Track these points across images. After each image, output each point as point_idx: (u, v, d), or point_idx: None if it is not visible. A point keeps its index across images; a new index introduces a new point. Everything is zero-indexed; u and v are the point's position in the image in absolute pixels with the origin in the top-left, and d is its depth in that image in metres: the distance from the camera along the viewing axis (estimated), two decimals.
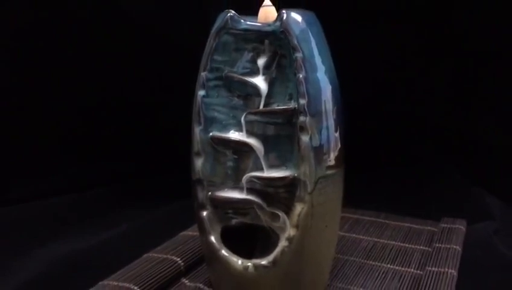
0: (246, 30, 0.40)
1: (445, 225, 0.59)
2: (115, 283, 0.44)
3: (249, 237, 0.42)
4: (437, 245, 0.54)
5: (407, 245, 0.56)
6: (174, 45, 0.70)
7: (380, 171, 0.72)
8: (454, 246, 0.53)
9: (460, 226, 0.58)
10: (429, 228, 0.59)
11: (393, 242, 0.56)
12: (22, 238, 0.58)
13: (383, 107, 0.74)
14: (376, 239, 0.57)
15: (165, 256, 0.49)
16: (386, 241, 0.56)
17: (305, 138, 0.39)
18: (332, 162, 0.41)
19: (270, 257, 0.40)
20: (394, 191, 0.69)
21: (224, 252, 0.42)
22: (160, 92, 0.73)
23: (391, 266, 0.51)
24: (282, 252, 0.40)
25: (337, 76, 0.43)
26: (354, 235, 0.58)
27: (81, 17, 0.70)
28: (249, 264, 0.41)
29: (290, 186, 0.40)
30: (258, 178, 0.41)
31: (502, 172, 0.69)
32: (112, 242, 0.57)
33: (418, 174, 0.72)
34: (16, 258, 0.53)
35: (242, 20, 0.41)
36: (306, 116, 0.39)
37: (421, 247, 0.55)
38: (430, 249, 0.54)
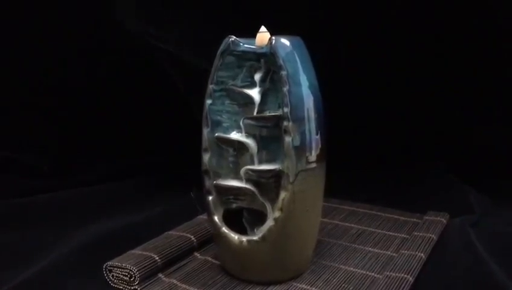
0: (244, 52, 0.50)
1: (429, 218, 0.67)
2: (140, 252, 0.55)
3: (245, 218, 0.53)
4: (415, 233, 0.62)
5: (391, 233, 0.64)
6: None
7: (380, 171, 0.81)
8: (431, 235, 0.61)
9: (443, 219, 0.66)
10: (415, 220, 0.67)
11: (380, 230, 0.65)
12: (75, 216, 0.71)
13: (382, 114, 0.82)
14: (365, 227, 0.66)
15: (181, 234, 0.59)
16: (373, 230, 0.65)
17: (288, 139, 0.48)
18: (313, 159, 0.50)
19: (260, 234, 0.50)
20: (391, 188, 0.77)
21: (224, 229, 0.52)
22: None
23: (372, 249, 0.60)
24: (269, 230, 0.50)
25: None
26: (347, 223, 0.67)
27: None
28: (244, 239, 0.51)
29: (277, 177, 0.49)
30: (252, 170, 0.51)
31: (490, 171, 0.76)
32: (144, 222, 0.68)
33: (414, 173, 0.80)
34: (70, 230, 0.65)
35: (241, 44, 0.50)
36: (289, 121, 0.48)
37: (403, 235, 0.63)
38: (409, 237, 0.62)
